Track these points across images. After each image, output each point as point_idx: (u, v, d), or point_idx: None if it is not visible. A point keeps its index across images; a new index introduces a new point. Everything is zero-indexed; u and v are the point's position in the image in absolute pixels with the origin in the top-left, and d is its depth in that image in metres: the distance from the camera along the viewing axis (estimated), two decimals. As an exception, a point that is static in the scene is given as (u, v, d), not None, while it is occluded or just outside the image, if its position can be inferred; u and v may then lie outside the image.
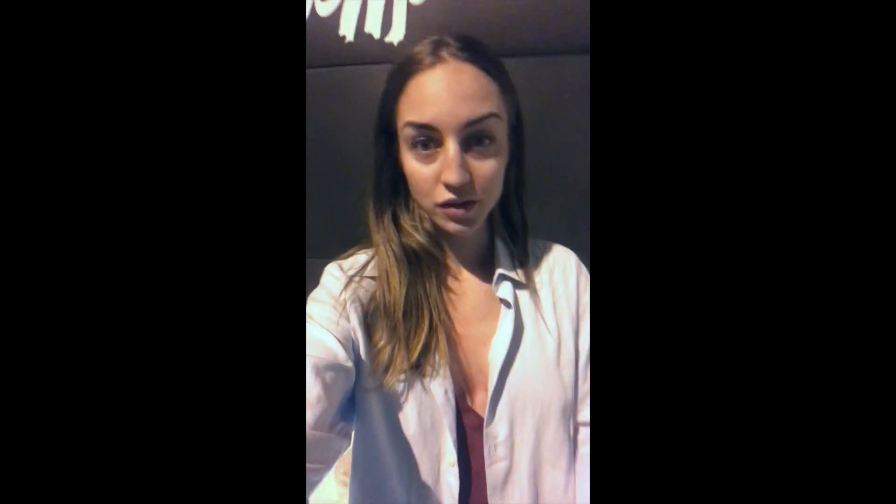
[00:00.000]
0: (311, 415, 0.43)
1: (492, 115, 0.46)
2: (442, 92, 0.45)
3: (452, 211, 0.48)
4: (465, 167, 0.46)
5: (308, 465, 0.41)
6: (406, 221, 0.53)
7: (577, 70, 0.81)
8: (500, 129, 0.48)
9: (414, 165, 0.48)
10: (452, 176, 0.45)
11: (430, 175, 0.47)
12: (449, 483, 0.49)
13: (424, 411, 0.49)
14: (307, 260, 0.40)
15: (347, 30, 1.02)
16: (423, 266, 0.52)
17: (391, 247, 0.52)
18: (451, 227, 0.49)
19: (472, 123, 0.45)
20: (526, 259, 0.56)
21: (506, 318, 0.52)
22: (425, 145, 0.47)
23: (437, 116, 0.45)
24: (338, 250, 0.60)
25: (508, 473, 0.49)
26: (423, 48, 0.47)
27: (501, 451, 0.49)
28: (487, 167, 0.47)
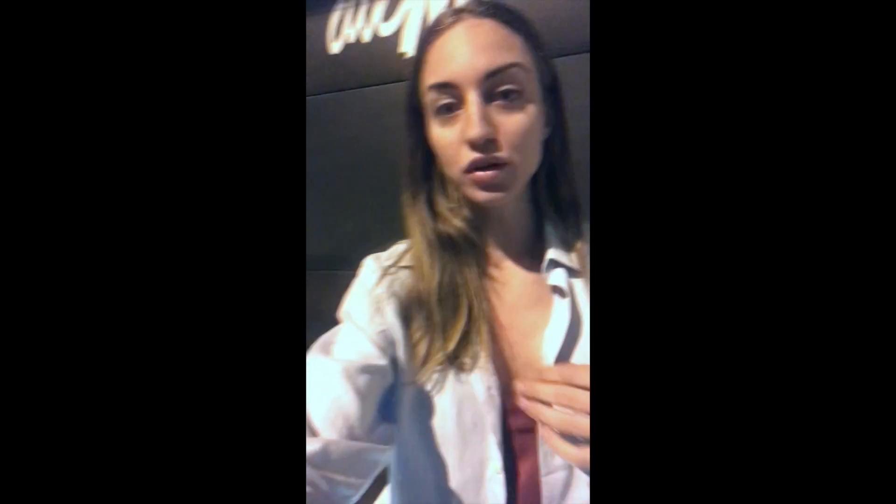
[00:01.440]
0: (343, 424, 0.39)
1: (514, 64, 0.42)
2: (460, 46, 0.42)
3: (479, 175, 0.43)
4: (487, 120, 0.42)
5: (341, 479, 0.37)
6: (442, 205, 0.49)
7: (578, 70, 0.81)
8: (529, 84, 0.44)
9: (438, 132, 0.45)
10: (474, 129, 0.41)
11: (454, 138, 0.43)
12: (494, 492, 0.44)
13: (465, 410, 0.44)
14: (308, 272, 0.39)
15: (408, 47, 1.07)
16: (460, 252, 0.48)
17: (425, 232, 0.49)
18: (480, 195, 0.45)
19: (492, 74, 0.41)
20: (580, 243, 0.51)
21: (560, 308, 0.47)
22: (449, 108, 0.44)
23: (455, 72, 0.42)
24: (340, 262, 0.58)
25: (568, 485, 0.44)
26: (443, 15, 0.45)
27: (560, 459, 0.44)
28: (515, 122, 0.43)
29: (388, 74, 1.17)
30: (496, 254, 0.52)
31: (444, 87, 0.43)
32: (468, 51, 0.42)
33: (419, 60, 0.46)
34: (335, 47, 1.25)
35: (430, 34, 0.45)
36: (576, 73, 0.87)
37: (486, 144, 0.42)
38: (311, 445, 0.37)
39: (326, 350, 0.46)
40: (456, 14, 0.44)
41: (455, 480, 0.45)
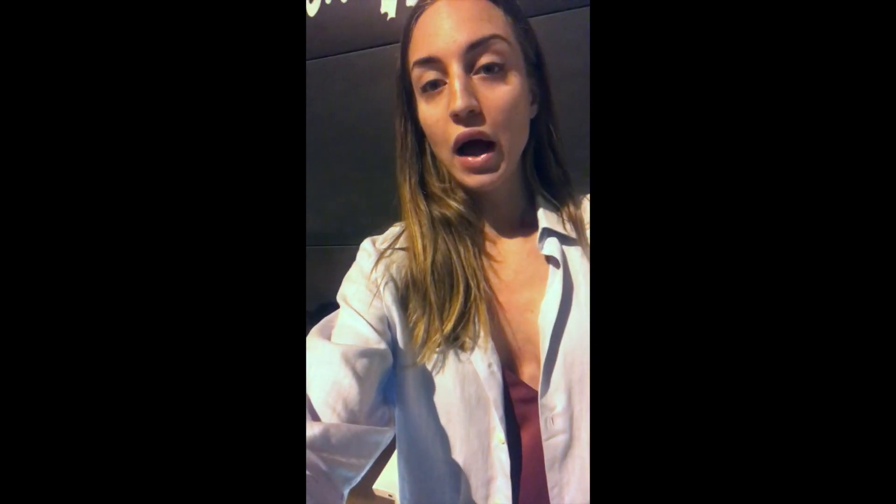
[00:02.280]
0: (343, 408, 0.40)
1: (495, 36, 0.42)
2: (441, 21, 0.42)
3: (468, 160, 0.43)
4: (470, 92, 0.41)
5: (342, 461, 0.38)
6: (435, 185, 0.49)
7: (578, 24, 0.77)
8: (513, 57, 0.43)
9: (424, 109, 0.45)
10: (456, 101, 0.41)
11: (440, 114, 0.43)
12: (500, 460, 0.46)
13: (468, 387, 0.46)
14: (308, 248, 0.38)
15: (389, 6, 1.03)
16: (456, 232, 0.48)
17: (418, 213, 0.48)
18: (471, 179, 0.45)
19: (473, 46, 0.41)
20: (575, 212, 0.51)
21: (554, 278, 0.48)
22: (434, 84, 0.43)
23: (437, 46, 0.42)
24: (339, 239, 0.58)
25: (568, 447, 0.46)
26: None
27: (560, 423, 0.46)
28: (499, 95, 0.42)
29: (371, 38, 1.10)
30: (492, 232, 0.51)
31: (427, 62, 0.43)
32: (450, 24, 0.42)
33: (406, 39, 0.46)
34: (311, 9, 1.17)
35: (414, 11, 0.45)
36: (576, 27, 0.83)
37: (469, 117, 0.42)
38: (312, 430, 0.37)
39: (325, 334, 0.46)
40: None
41: (462, 453, 0.47)
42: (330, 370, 0.41)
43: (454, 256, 0.47)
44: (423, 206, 0.49)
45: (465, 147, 0.43)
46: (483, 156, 0.43)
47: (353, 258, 0.53)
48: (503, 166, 0.45)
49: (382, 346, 0.45)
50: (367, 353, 0.43)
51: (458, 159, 0.44)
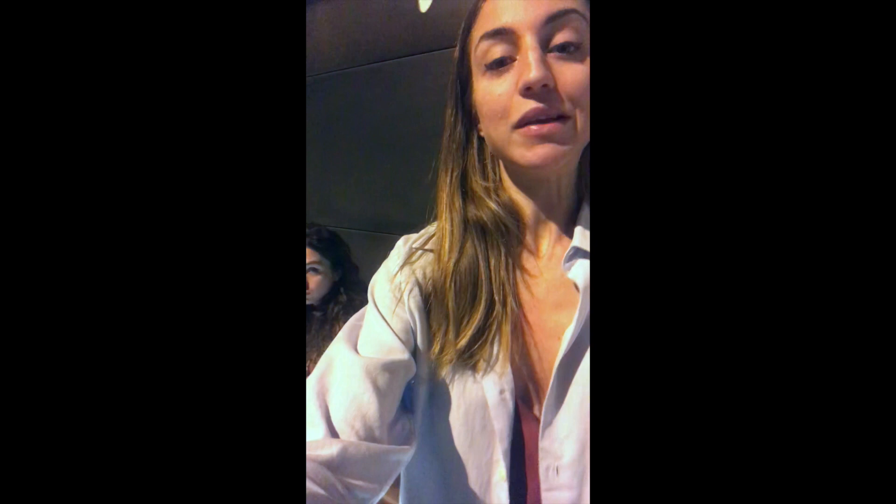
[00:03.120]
0: (362, 426, 0.38)
1: (575, 11, 0.38)
2: None
3: (532, 129, 0.38)
4: (546, 66, 0.37)
5: (360, 484, 0.36)
6: (477, 182, 0.44)
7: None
8: (587, 35, 0.39)
9: (485, 86, 0.40)
10: (532, 72, 0.36)
11: (507, 88, 0.38)
12: (499, 499, 0.41)
13: (474, 411, 0.42)
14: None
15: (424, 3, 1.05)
16: (489, 237, 0.43)
17: (451, 213, 0.44)
18: (530, 154, 0.39)
19: (552, 19, 0.37)
20: None
21: (580, 307, 0.41)
22: (501, 63, 0.39)
23: (512, 17, 0.38)
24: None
25: None
26: None
27: (565, 477, 0.39)
28: (574, 72, 0.38)
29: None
30: (532, 241, 0.46)
31: (498, 34, 0.39)
32: None
33: (471, 17, 0.42)
34: (423, 4, 1.20)
35: None
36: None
37: (543, 92, 0.37)
38: (330, 449, 0.36)
39: (352, 338, 0.45)
40: None
41: (459, 483, 0.43)
42: (350, 384, 0.40)
43: (482, 265, 0.43)
44: (458, 204, 0.44)
45: (531, 122, 0.39)
46: (551, 124, 0.38)
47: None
48: (570, 142, 0.39)
49: (406, 355, 0.43)
50: (390, 367, 0.41)
51: (520, 131, 0.39)
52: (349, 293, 1.43)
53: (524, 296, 0.44)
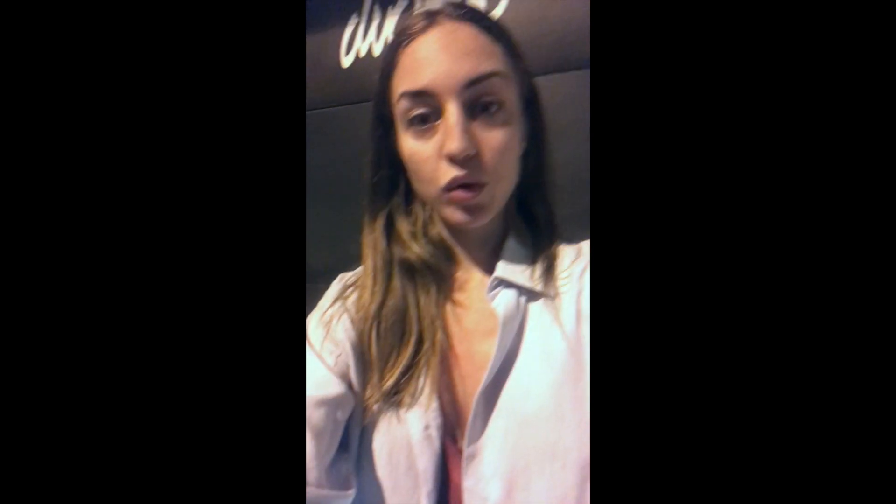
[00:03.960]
0: (308, 469, 0.37)
1: (495, 73, 0.39)
2: (438, 52, 0.39)
3: (459, 194, 0.40)
4: (469, 135, 0.38)
5: None
6: (403, 227, 0.45)
7: (577, 86, 0.81)
8: (510, 95, 0.40)
9: (412, 145, 0.41)
10: (455, 143, 0.37)
11: (431, 152, 0.40)
12: None
13: (399, 451, 0.40)
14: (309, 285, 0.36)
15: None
16: (418, 275, 0.44)
17: (374, 256, 0.45)
18: (458, 217, 0.41)
19: (473, 83, 0.38)
20: (548, 261, 0.45)
21: (498, 336, 0.41)
22: (423, 119, 0.40)
23: (433, 79, 0.38)
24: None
25: None
26: (415, 18, 0.41)
27: None
28: (496, 138, 0.39)
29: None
30: (463, 275, 0.47)
31: (419, 95, 0.40)
32: (447, 57, 0.39)
33: (389, 65, 0.43)
34: (346, 61, 1.26)
35: (401, 37, 0.42)
36: (575, 88, 0.87)
37: (466, 160, 0.39)
38: None
39: None
40: (430, 17, 0.41)
41: None
42: None
43: (410, 303, 0.43)
44: (381, 246, 0.45)
45: (456, 186, 0.41)
46: (474, 192, 0.40)
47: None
48: (494, 203, 0.42)
49: (341, 388, 0.41)
50: (324, 402, 0.39)
51: (447, 195, 0.41)
52: None
53: (453, 328, 0.44)
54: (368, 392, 0.42)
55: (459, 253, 0.47)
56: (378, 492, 0.41)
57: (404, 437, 0.40)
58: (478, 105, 0.40)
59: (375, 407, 0.41)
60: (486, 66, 0.39)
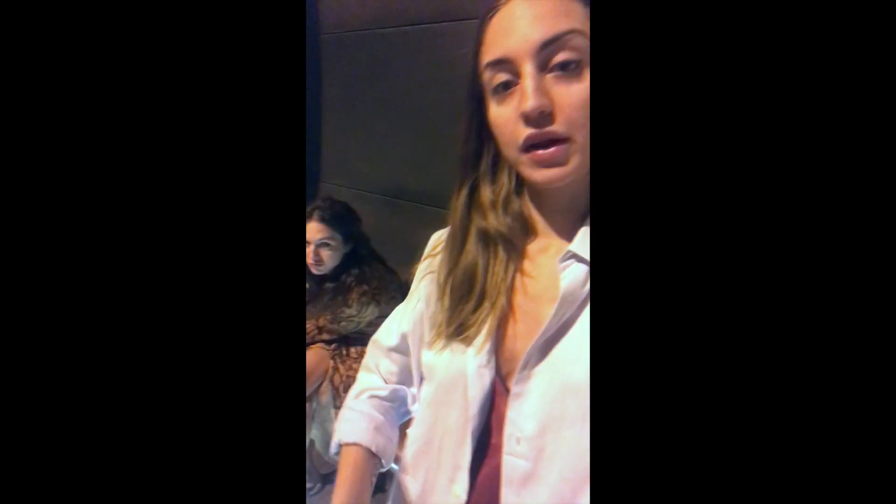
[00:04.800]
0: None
1: (572, 31, 0.39)
2: (515, 20, 0.41)
3: (536, 153, 0.42)
4: (542, 92, 0.40)
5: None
6: (486, 196, 0.50)
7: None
8: (588, 51, 0.40)
9: (495, 111, 0.44)
10: (528, 101, 0.39)
11: (510, 114, 0.42)
12: (465, 452, 0.48)
13: (454, 380, 0.49)
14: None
15: None
16: (491, 244, 0.49)
17: (458, 219, 0.51)
18: (538, 175, 0.43)
19: (548, 43, 0.39)
20: None
21: (558, 303, 0.45)
22: (506, 85, 0.42)
23: (509, 46, 0.41)
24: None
25: (528, 477, 0.44)
26: None
27: (523, 448, 0.44)
28: (572, 93, 0.40)
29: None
30: (538, 244, 0.51)
31: (499, 63, 0.42)
32: (523, 23, 0.40)
33: (477, 40, 0.45)
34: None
35: (487, 12, 0.44)
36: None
37: (540, 118, 0.41)
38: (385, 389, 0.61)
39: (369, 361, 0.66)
40: None
41: (437, 435, 0.51)
42: (380, 351, 0.63)
43: (479, 267, 0.49)
44: (463, 213, 0.50)
45: (535, 146, 0.42)
46: (552, 149, 0.41)
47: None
48: (574, 160, 0.42)
49: (407, 339, 0.58)
50: (394, 351, 0.60)
51: (526, 156, 0.43)
52: (360, 264, 1.50)
53: (518, 293, 0.49)
54: (436, 332, 0.50)
55: (539, 221, 0.50)
56: (436, 408, 0.51)
57: (461, 371, 0.48)
58: (556, 64, 0.40)
59: (441, 344, 0.49)
60: (562, 25, 0.40)
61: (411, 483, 0.53)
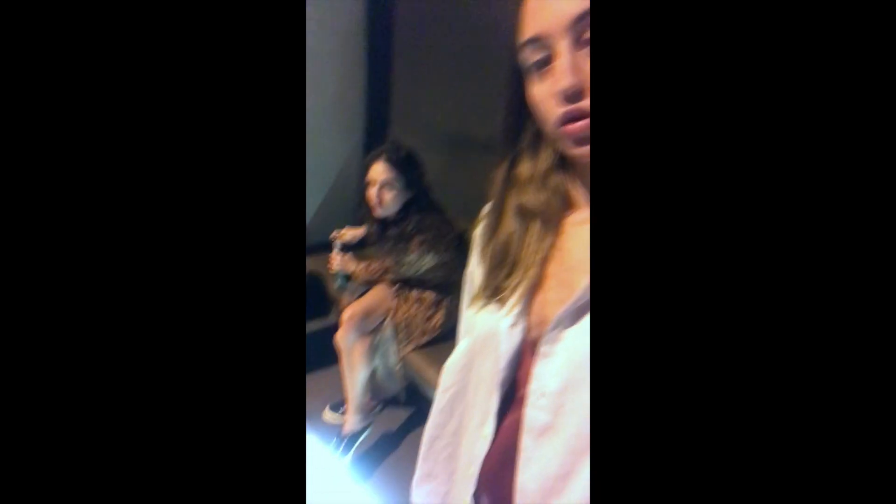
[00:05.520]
0: None
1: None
2: None
3: (570, 127, 0.43)
4: (577, 69, 0.40)
5: None
6: (525, 171, 0.52)
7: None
8: None
9: (533, 90, 0.45)
10: (562, 79, 0.40)
11: (547, 91, 0.43)
12: (494, 400, 0.53)
13: (489, 335, 0.53)
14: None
15: None
16: (527, 218, 0.52)
17: (496, 193, 0.54)
18: (574, 149, 0.44)
19: (582, 18, 0.39)
20: None
21: (590, 279, 0.48)
22: (544, 63, 0.43)
23: (544, 23, 0.41)
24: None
25: (546, 430, 0.49)
26: None
27: (544, 402, 0.49)
28: None
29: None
30: (577, 216, 0.53)
31: (535, 41, 0.42)
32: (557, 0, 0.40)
33: (517, 20, 0.45)
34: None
35: None
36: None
37: (576, 95, 0.41)
38: None
39: None
40: None
41: (470, 386, 0.58)
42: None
43: (514, 240, 0.52)
44: (501, 187, 0.53)
45: (571, 120, 0.43)
46: (585, 123, 0.42)
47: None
48: None
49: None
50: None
51: (562, 130, 0.44)
52: (421, 213, 1.56)
53: (553, 264, 0.52)
54: (476, 294, 0.56)
55: (581, 194, 0.52)
56: (471, 361, 0.58)
57: (494, 329, 0.53)
58: (587, 39, 0.41)
59: (479, 304, 0.55)
60: None
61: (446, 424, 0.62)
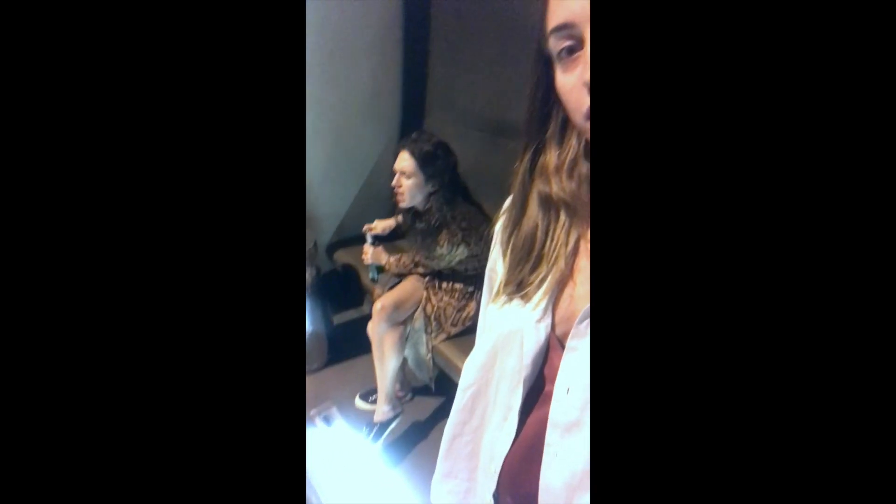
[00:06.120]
0: None
1: None
2: None
3: None
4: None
5: None
6: (551, 160, 0.50)
7: None
8: None
9: (560, 79, 0.44)
10: (588, 70, 0.39)
11: (575, 81, 0.42)
12: (517, 395, 0.52)
13: (513, 332, 0.52)
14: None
15: None
16: (552, 209, 0.51)
17: (519, 184, 0.52)
18: None
19: None
20: None
21: None
22: (571, 51, 0.42)
23: (572, 10, 0.40)
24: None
25: (572, 426, 0.48)
26: None
27: (573, 397, 0.48)
28: None
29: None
30: None
31: (562, 28, 0.41)
32: None
33: (544, 6, 0.44)
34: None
35: None
36: None
37: None
38: None
39: None
40: None
41: (494, 379, 0.56)
42: None
43: (539, 231, 0.51)
44: (525, 178, 0.52)
45: None
46: None
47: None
48: None
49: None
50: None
51: (589, 122, 0.43)
52: (451, 206, 1.55)
53: (582, 258, 0.51)
54: (498, 289, 0.54)
55: None
56: (493, 357, 0.56)
57: (518, 325, 0.52)
58: None
59: (502, 300, 0.54)
60: None
61: (468, 421, 0.61)
